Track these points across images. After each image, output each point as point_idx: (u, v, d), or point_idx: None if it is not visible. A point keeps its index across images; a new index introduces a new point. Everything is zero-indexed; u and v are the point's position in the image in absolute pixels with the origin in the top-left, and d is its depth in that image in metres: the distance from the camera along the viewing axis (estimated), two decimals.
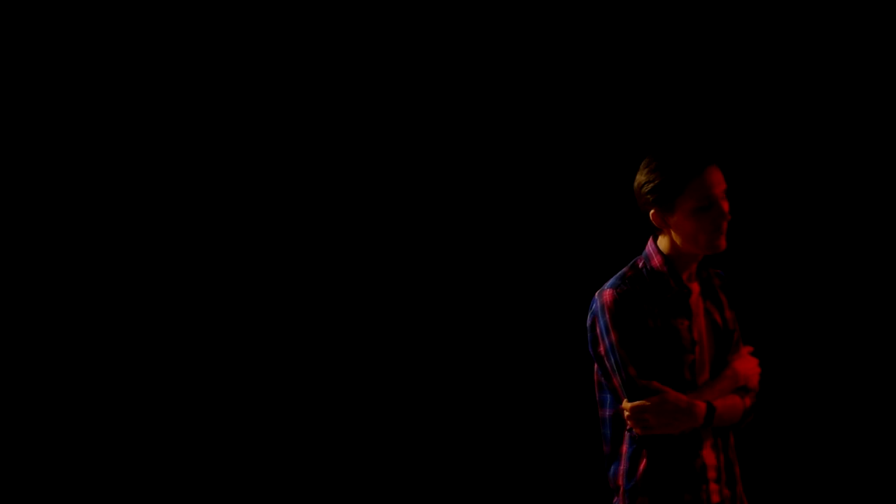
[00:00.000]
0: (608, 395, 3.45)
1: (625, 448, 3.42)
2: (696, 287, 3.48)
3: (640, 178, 3.42)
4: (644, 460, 3.38)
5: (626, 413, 3.35)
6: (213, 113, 4.68)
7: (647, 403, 3.32)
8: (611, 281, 3.45)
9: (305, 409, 4.85)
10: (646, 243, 3.50)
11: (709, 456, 3.42)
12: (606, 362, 3.40)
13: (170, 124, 4.71)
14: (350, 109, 4.62)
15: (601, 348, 3.41)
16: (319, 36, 4.76)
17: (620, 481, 3.42)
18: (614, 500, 3.46)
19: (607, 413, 3.46)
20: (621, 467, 3.42)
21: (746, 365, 3.48)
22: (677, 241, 3.40)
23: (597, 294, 3.45)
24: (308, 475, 4.89)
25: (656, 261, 3.45)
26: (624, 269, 3.48)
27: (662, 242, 3.45)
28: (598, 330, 3.41)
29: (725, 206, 3.37)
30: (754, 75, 4.92)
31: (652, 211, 3.40)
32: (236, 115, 4.72)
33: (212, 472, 4.93)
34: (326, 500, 4.93)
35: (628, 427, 3.38)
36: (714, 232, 3.35)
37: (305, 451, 4.89)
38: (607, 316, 3.38)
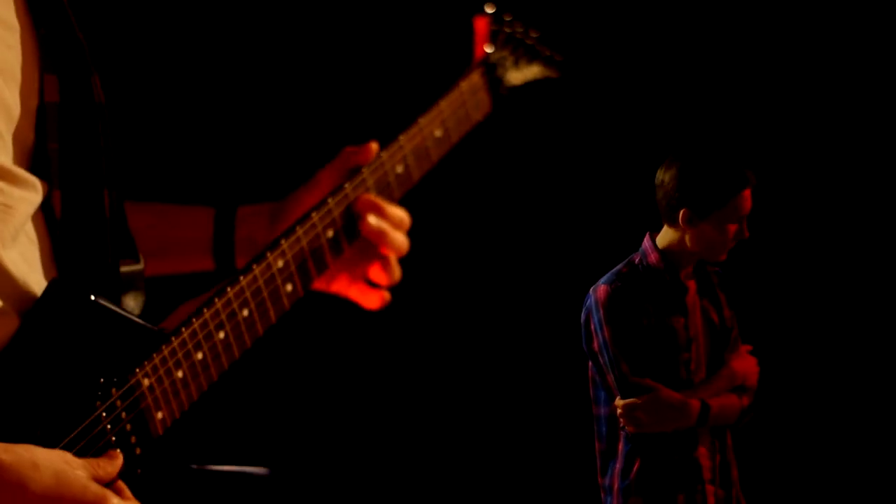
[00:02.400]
0: (602, 393, 3.42)
1: (621, 446, 3.38)
2: (692, 285, 3.44)
3: (682, 175, 3.36)
4: (638, 460, 3.34)
5: (619, 410, 3.31)
6: (208, 111, 4.67)
7: (640, 401, 3.28)
8: (605, 277, 3.42)
9: (305, 409, 4.85)
10: (642, 240, 3.47)
11: (704, 456, 3.38)
12: (600, 359, 3.37)
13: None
14: (349, 108, 4.61)
15: (595, 345, 3.38)
16: (317, 34, 4.75)
17: (615, 480, 3.38)
18: (604, 498, 3.43)
19: (602, 411, 3.43)
20: (617, 466, 3.38)
21: (745, 364, 3.44)
22: (688, 242, 3.36)
23: (591, 290, 3.42)
24: (308, 475, 4.88)
25: (653, 257, 3.41)
26: (619, 266, 3.44)
27: (662, 238, 3.41)
28: (591, 326, 3.39)
29: (746, 230, 3.39)
30: (749, 73, 4.91)
31: (682, 210, 3.35)
32: (233, 114, 4.71)
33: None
34: (327, 499, 4.92)
35: (621, 425, 3.34)
36: (736, 241, 3.36)
37: (305, 452, 4.88)
38: (601, 312, 3.35)
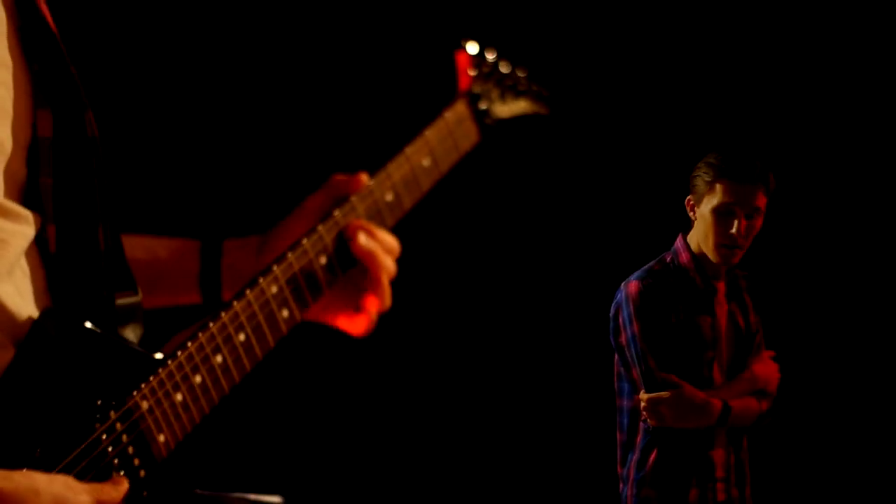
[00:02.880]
0: (626, 385, 3.46)
1: (639, 439, 3.42)
2: (721, 287, 3.49)
3: (700, 164, 3.44)
4: (655, 452, 3.38)
5: (643, 404, 3.35)
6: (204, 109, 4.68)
7: (664, 396, 3.33)
8: (637, 273, 3.47)
9: (306, 409, 4.86)
10: (675, 239, 3.52)
11: (719, 455, 3.42)
12: (627, 353, 3.41)
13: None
14: (334, 137, 4.63)
15: (622, 338, 3.42)
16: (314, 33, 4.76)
17: (631, 471, 3.43)
18: (621, 488, 3.48)
19: (625, 403, 3.47)
20: (634, 457, 3.43)
21: (766, 369, 3.48)
22: (696, 236, 3.42)
23: (622, 285, 3.46)
24: (308, 475, 4.91)
25: (684, 257, 3.46)
26: (651, 263, 3.49)
27: (692, 239, 3.46)
28: (620, 320, 3.43)
29: (744, 224, 3.35)
30: (789, 79, 4.92)
31: (689, 196, 3.43)
32: (217, 146, 4.72)
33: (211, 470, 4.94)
34: (327, 500, 4.95)
35: (643, 418, 3.38)
36: (721, 240, 3.36)
37: (305, 452, 4.90)
38: (631, 307, 3.39)
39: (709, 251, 3.40)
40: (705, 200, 3.39)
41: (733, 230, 3.34)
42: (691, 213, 3.44)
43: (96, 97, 1.65)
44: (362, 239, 1.69)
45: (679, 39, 4.87)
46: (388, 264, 1.73)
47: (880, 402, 4.84)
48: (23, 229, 1.53)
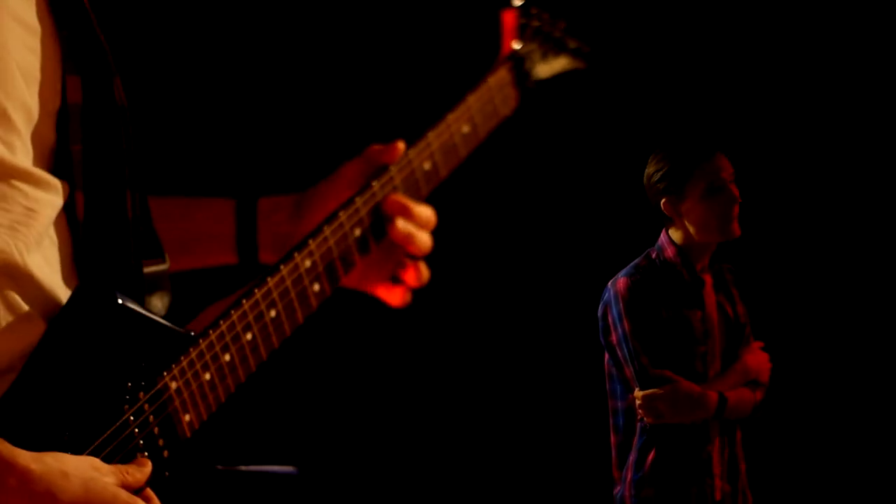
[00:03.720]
0: (619, 386, 3.44)
1: (636, 439, 3.41)
2: (708, 279, 3.48)
3: (650, 169, 3.46)
4: (653, 452, 3.37)
5: (638, 402, 3.34)
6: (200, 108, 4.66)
7: (660, 392, 3.31)
8: (624, 270, 3.45)
9: (306, 409, 4.84)
10: (658, 235, 3.51)
11: (715, 450, 3.41)
12: (619, 351, 3.39)
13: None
14: (376, 105, 4.61)
15: (613, 337, 3.40)
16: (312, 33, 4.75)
17: (629, 471, 3.41)
18: (617, 491, 3.45)
19: (619, 404, 3.45)
20: (631, 458, 3.41)
21: (758, 359, 3.48)
22: (691, 230, 3.40)
23: (610, 283, 3.44)
24: (335, 473, 4.88)
25: (669, 251, 3.44)
26: (637, 260, 3.48)
27: (676, 234, 3.45)
28: (610, 319, 3.41)
29: (735, 190, 3.38)
30: (765, 71, 4.94)
31: (663, 200, 3.41)
32: (258, 108, 4.70)
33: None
34: (353, 498, 4.92)
35: (639, 417, 3.37)
36: (725, 215, 3.36)
37: (306, 452, 4.88)
38: (620, 305, 3.37)
39: (714, 236, 3.39)
40: (688, 193, 3.38)
41: (730, 201, 3.36)
42: (672, 215, 3.42)
43: (125, 64, 1.63)
44: (400, 224, 1.69)
45: (664, 36, 4.88)
46: (423, 240, 1.72)
47: (870, 390, 4.85)
48: (52, 198, 1.51)
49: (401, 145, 1.73)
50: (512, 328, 4.96)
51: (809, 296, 4.88)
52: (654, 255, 3.46)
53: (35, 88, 1.51)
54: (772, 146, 4.85)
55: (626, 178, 4.15)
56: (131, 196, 1.59)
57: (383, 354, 4.81)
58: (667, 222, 3.47)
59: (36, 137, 1.51)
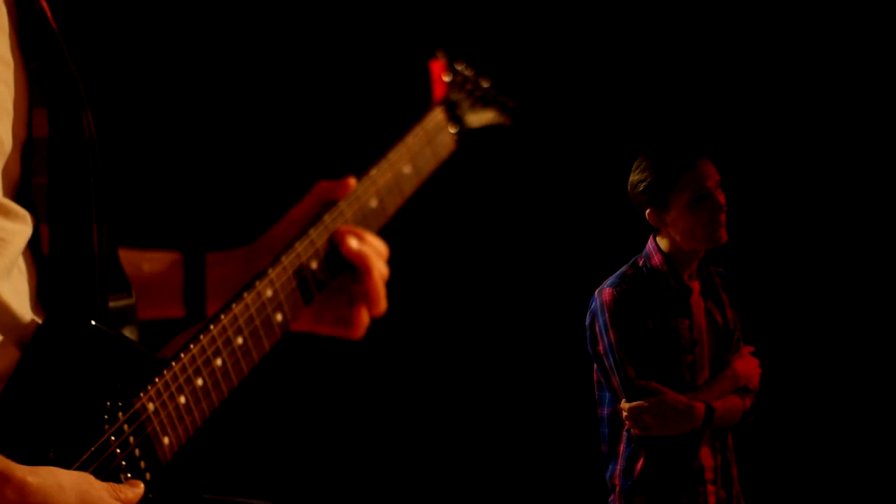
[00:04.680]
0: (607, 394, 3.43)
1: (622, 447, 3.39)
2: (696, 286, 3.46)
3: (633, 178, 3.43)
4: (641, 460, 3.36)
5: (625, 413, 3.32)
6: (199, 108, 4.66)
7: (646, 404, 3.30)
8: (610, 279, 3.43)
9: (306, 409, 4.85)
10: (646, 242, 3.49)
11: (706, 457, 3.40)
12: (605, 361, 3.38)
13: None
14: (313, 147, 4.61)
15: (600, 347, 3.39)
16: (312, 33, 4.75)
17: (617, 481, 3.40)
18: (610, 500, 3.45)
19: (605, 412, 3.44)
20: (618, 467, 3.40)
21: (747, 365, 3.46)
22: (677, 238, 3.38)
23: (596, 293, 3.43)
24: (309, 475, 4.89)
25: (656, 259, 3.42)
26: (624, 268, 3.46)
27: (662, 241, 3.43)
28: (597, 329, 3.39)
29: (721, 197, 3.35)
30: (750, 73, 4.92)
31: (648, 210, 3.39)
32: (224, 113, 4.70)
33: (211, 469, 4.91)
34: (327, 499, 4.93)
35: (626, 427, 3.36)
36: (711, 224, 3.33)
37: (306, 452, 4.89)
38: (606, 315, 3.36)
39: (701, 244, 3.36)
40: (672, 202, 3.36)
41: (716, 210, 3.32)
42: (658, 224, 3.40)
43: (96, 97, 1.63)
44: (353, 242, 1.71)
45: (647, 40, 4.87)
46: (380, 266, 1.74)
47: (862, 394, 4.84)
48: (21, 228, 1.51)
49: (351, 181, 1.76)
50: (502, 336, 4.96)
51: (800, 300, 4.87)
52: (641, 263, 3.44)
53: (8, 121, 1.51)
54: (760, 150, 4.83)
55: (613, 185, 4.13)
56: (97, 230, 1.59)
57: (371, 370, 4.81)
58: (653, 230, 3.45)
59: (5, 170, 1.52)
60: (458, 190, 4.46)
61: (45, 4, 1.58)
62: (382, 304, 1.75)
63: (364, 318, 1.76)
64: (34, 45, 1.55)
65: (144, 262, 1.79)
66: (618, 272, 3.45)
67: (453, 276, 4.83)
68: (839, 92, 4.88)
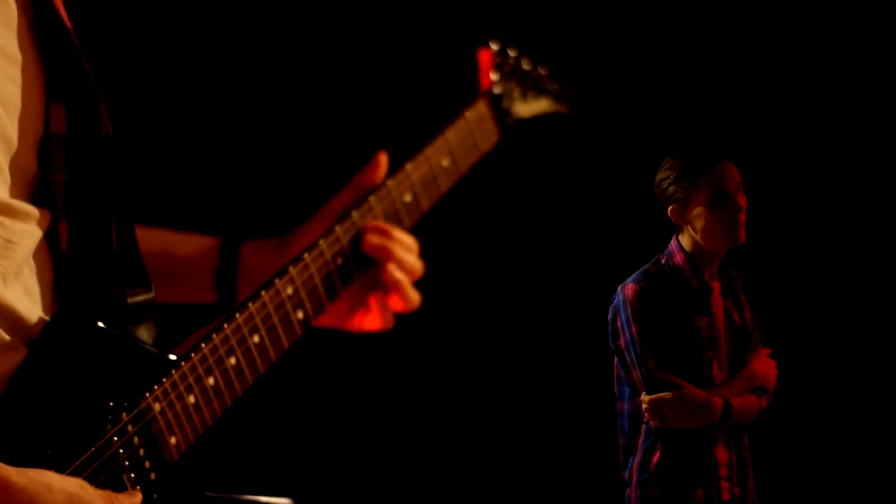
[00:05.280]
0: (626, 389, 3.48)
1: (641, 441, 3.44)
2: (717, 286, 3.51)
3: (659, 176, 3.51)
4: (658, 453, 3.40)
5: (645, 405, 3.37)
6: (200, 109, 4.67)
7: (666, 396, 3.34)
8: (633, 276, 3.49)
9: (306, 409, 4.86)
10: (669, 240, 3.54)
11: (722, 453, 3.44)
12: (626, 356, 3.43)
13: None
14: (356, 139, 4.63)
15: (621, 341, 3.44)
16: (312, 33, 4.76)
17: (634, 474, 3.44)
18: (627, 493, 3.49)
19: (626, 407, 3.49)
20: (636, 460, 3.44)
21: (765, 366, 3.50)
22: (697, 236, 3.44)
23: (619, 288, 3.48)
24: (309, 475, 4.91)
25: (679, 258, 3.48)
26: (647, 265, 3.51)
27: (685, 240, 3.49)
28: (619, 323, 3.45)
29: (742, 200, 3.42)
30: (777, 79, 4.94)
31: (671, 207, 3.46)
32: (240, 145, 4.71)
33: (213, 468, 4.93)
34: (327, 499, 4.95)
35: (645, 420, 3.40)
36: (731, 224, 3.40)
37: (306, 452, 4.90)
38: (629, 310, 3.41)
39: (720, 242, 3.42)
40: (693, 201, 3.42)
41: (735, 210, 3.38)
42: (679, 222, 3.46)
43: (110, 93, 1.62)
44: (374, 238, 1.68)
45: (680, 42, 4.89)
46: (409, 260, 1.71)
47: (877, 396, 4.86)
48: (31, 229, 1.50)
49: (382, 158, 1.74)
50: (523, 332, 4.98)
51: (818, 303, 4.89)
52: (663, 261, 3.50)
53: (15, 118, 1.49)
54: (782, 154, 4.86)
55: (638, 184, 4.18)
56: (116, 226, 1.58)
57: (383, 367, 4.82)
58: (676, 228, 3.51)
59: (16, 167, 1.50)
60: (482, 186, 4.50)
61: (58, 1, 1.58)
62: (411, 299, 1.72)
63: (389, 312, 1.73)
64: (48, 41, 1.55)
65: (180, 244, 1.78)
66: (641, 269, 3.50)
67: (476, 271, 4.86)
68: (865, 95, 4.90)
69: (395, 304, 1.73)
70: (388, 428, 4.95)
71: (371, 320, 1.74)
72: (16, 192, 1.50)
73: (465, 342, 4.97)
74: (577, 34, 4.73)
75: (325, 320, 1.71)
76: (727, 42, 4.93)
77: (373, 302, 1.73)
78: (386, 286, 1.72)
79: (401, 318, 1.78)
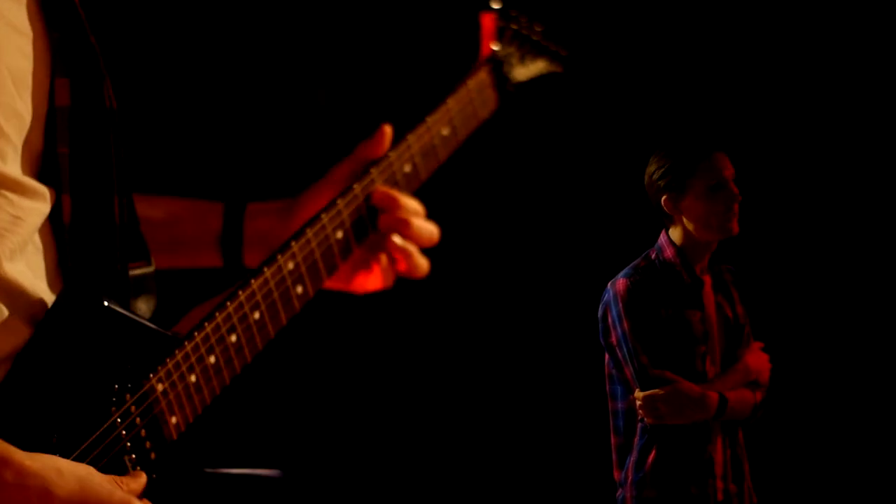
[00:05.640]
0: (619, 387, 3.44)
1: (636, 439, 3.40)
2: (707, 280, 3.48)
3: (651, 167, 3.48)
4: (653, 453, 3.36)
5: (639, 402, 3.33)
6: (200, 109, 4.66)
7: (660, 392, 3.30)
8: (623, 271, 3.46)
9: (307, 409, 4.84)
10: (658, 236, 3.51)
11: (717, 451, 3.41)
12: (618, 352, 3.39)
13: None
14: (358, 107, 4.61)
15: (613, 338, 3.40)
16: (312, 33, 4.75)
17: (630, 473, 3.40)
18: (619, 493, 3.45)
19: (619, 405, 3.45)
20: (632, 459, 3.40)
21: (758, 360, 3.48)
22: (690, 227, 3.41)
23: (609, 284, 3.45)
24: (320, 476, 4.88)
25: (669, 252, 3.44)
26: (637, 261, 3.49)
27: (675, 234, 3.45)
28: (610, 319, 3.41)
29: (735, 190, 3.40)
30: (767, 71, 4.94)
31: (664, 197, 3.42)
32: (243, 112, 4.71)
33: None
34: (327, 500, 4.92)
35: (640, 417, 3.36)
36: (726, 213, 3.38)
37: (306, 452, 4.88)
38: (620, 305, 3.37)
39: (713, 233, 3.39)
40: (690, 188, 3.39)
41: (730, 200, 3.37)
42: (672, 213, 3.43)
43: (115, 67, 1.61)
44: (383, 210, 1.68)
45: (675, 39, 4.88)
46: (426, 228, 1.71)
47: (870, 390, 4.85)
48: (38, 206, 1.50)
49: (387, 130, 1.73)
50: (512, 330, 4.96)
51: (809, 296, 4.88)
52: (653, 256, 3.47)
53: (27, 94, 1.50)
54: (773, 146, 4.85)
55: (626, 179, 4.15)
56: (119, 200, 1.58)
57: (379, 357, 4.81)
58: (667, 222, 3.47)
59: (26, 143, 1.50)
60: (473, 182, 4.47)
61: None
62: (423, 267, 1.71)
63: (391, 272, 1.72)
64: (55, 15, 1.55)
65: (184, 209, 1.77)
66: (631, 264, 3.47)
67: (465, 268, 4.84)
68: (856, 87, 4.90)
69: (401, 266, 1.73)
70: (380, 414, 4.92)
71: (373, 280, 1.74)
72: (25, 169, 1.50)
73: (451, 345, 4.94)
74: (573, 27, 4.71)
75: (327, 283, 1.70)
76: (715, 38, 4.92)
77: (375, 264, 1.73)
78: (391, 254, 1.71)
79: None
